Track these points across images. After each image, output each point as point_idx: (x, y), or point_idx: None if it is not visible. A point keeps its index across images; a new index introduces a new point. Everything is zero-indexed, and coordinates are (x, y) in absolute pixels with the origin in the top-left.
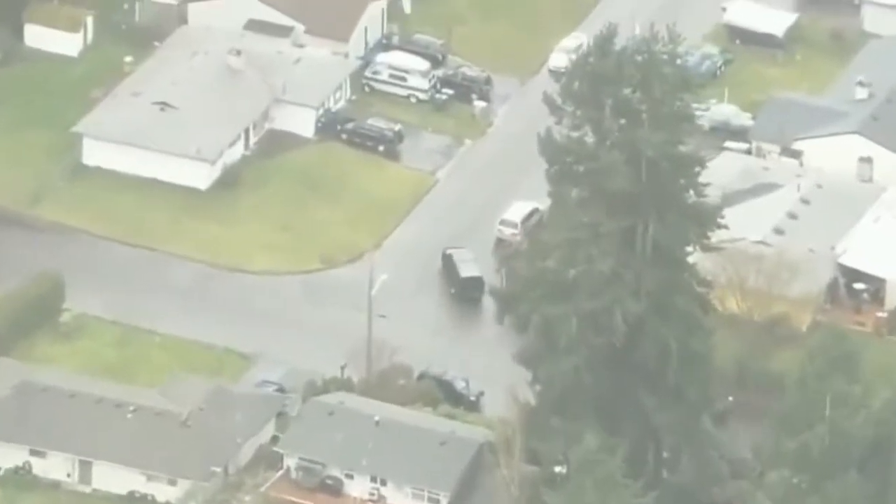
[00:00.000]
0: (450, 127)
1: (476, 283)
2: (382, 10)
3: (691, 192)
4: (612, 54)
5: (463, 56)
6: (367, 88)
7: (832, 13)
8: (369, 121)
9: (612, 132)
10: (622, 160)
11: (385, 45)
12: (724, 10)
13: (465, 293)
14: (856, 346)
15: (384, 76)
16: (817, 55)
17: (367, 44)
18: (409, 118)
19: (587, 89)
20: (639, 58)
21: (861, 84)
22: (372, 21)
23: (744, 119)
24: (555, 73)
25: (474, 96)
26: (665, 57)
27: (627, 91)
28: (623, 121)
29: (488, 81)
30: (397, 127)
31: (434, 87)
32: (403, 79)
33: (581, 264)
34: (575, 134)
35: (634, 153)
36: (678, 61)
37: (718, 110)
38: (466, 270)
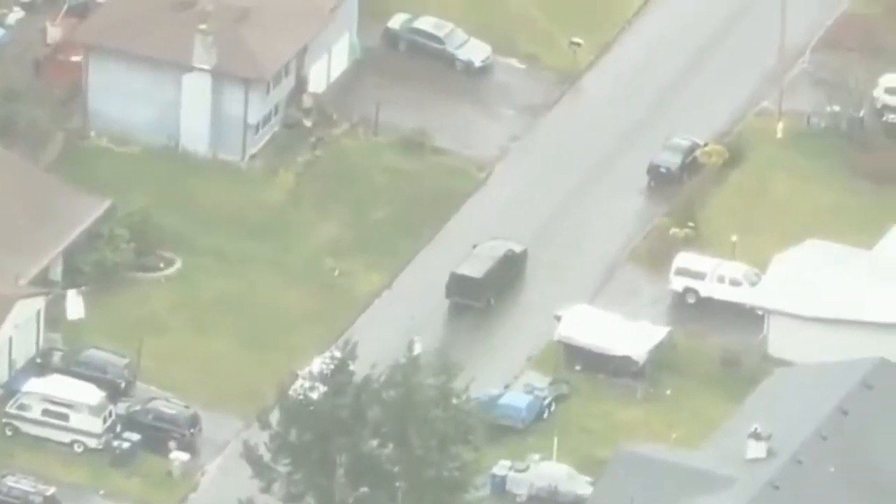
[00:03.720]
0: (133, 490)
1: None
2: (38, 312)
3: None
4: (350, 389)
5: (159, 384)
6: (8, 431)
7: (721, 328)
8: (7, 481)
9: None
10: None
11: (40, 367)
12: (558, 319)
13: None
14: None
15: (35, 413)
16: (696, 390)
17: (11, 363)
18: (72, 476)
19: (310, 441)
20: (391, 394)
21: (757, 436)
22: (21, 330)
23: (579, 484)
24: (263, 420)
25: (173, 444)
26: (434, 393)
27: (372, 444)
28: (364, 489)
29: (195, 422)
30: (50, 491)
31: (112, 429)
32: (65, 417)
33: None
34: None
35: None
36: (454, 400)
37: (542, 471)
38: None
